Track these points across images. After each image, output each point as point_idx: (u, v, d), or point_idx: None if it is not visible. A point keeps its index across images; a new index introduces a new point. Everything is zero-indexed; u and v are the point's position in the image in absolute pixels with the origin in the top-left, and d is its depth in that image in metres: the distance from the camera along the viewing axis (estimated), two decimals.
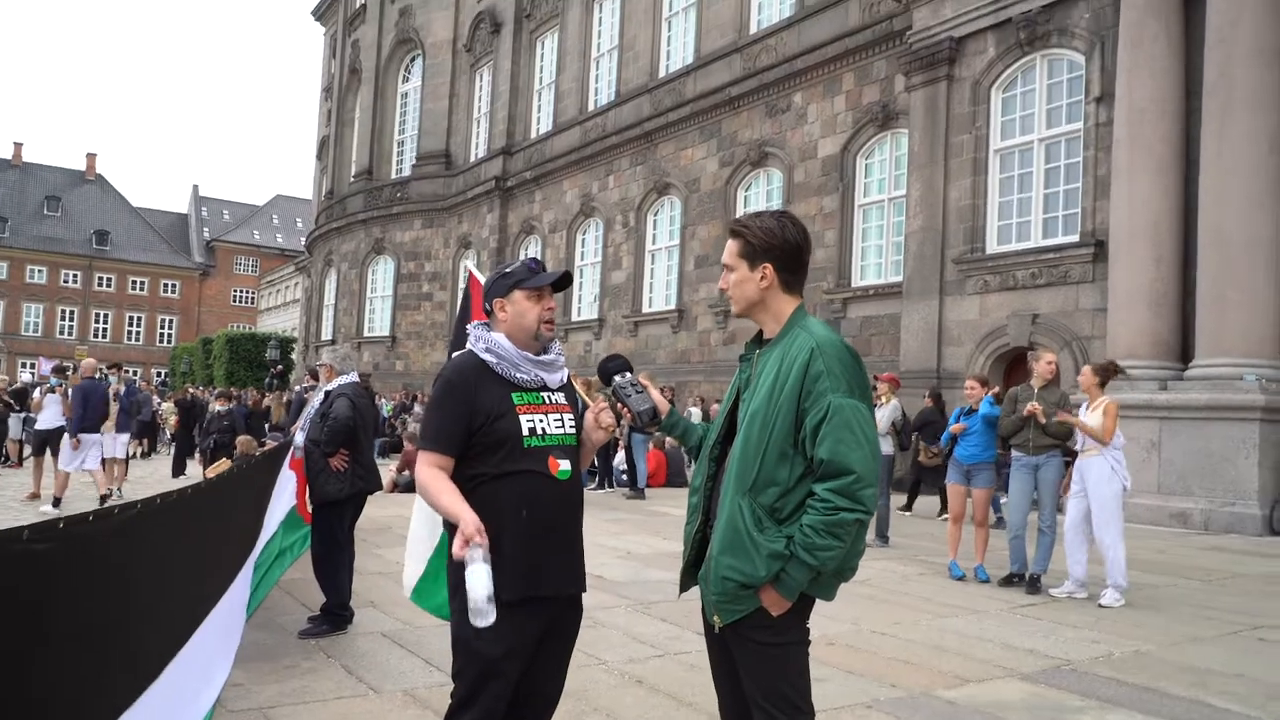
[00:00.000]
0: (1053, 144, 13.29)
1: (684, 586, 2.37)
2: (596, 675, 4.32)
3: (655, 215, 22.47)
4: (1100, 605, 6.17)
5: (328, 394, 5.37)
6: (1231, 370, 10.40)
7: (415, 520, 3.66)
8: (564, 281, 2.52)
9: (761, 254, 2.22)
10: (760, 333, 2.31)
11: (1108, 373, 6.74)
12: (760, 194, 19.37)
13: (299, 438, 5.50)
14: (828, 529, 2.03)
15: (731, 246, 2.27)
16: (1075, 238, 12.69)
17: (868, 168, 17.06)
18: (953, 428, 7.51)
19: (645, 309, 22.33)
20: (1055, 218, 13.17)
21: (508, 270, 2.53)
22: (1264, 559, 8.42)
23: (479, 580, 2.12)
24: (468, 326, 2.60)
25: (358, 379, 5.55)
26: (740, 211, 19.14)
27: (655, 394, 2.49)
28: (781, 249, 2.22)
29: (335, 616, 5.09)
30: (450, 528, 2.32)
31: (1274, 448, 10.23)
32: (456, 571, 2.30)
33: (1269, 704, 4.19)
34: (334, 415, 5.18)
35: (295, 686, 4.06)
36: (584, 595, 2.54)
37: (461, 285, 3.80)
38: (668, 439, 14.95)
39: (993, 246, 13.75)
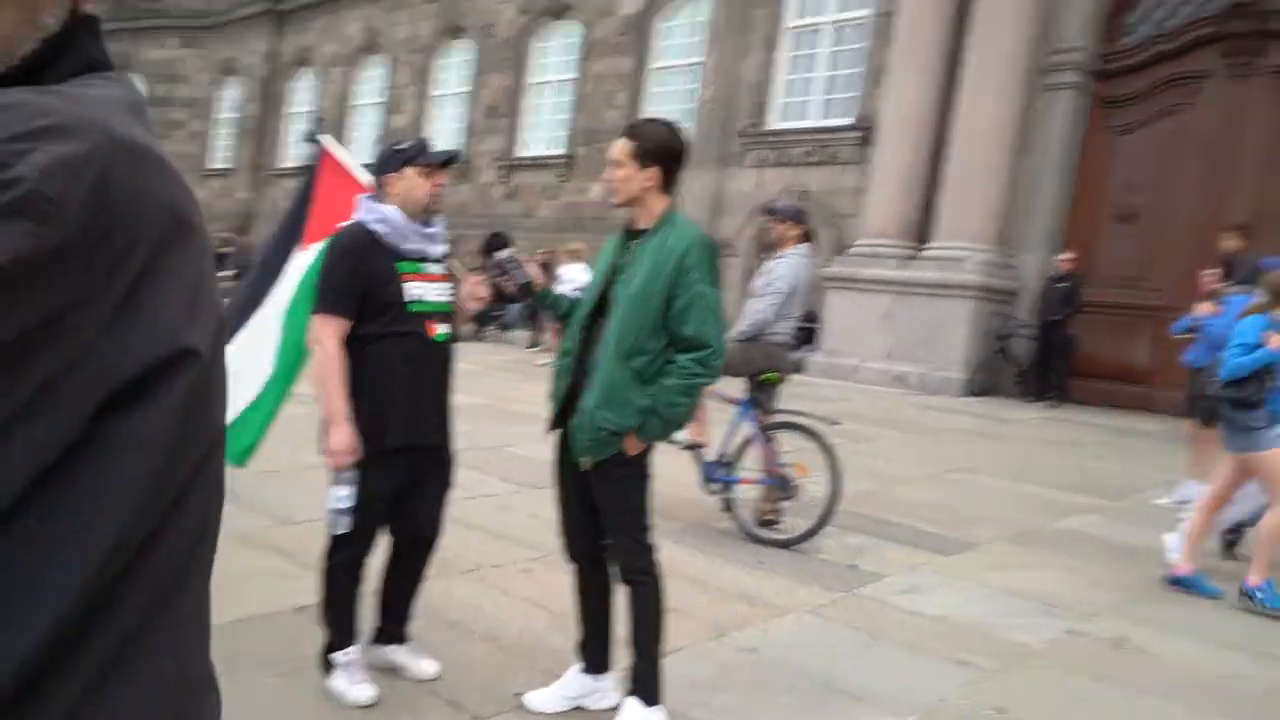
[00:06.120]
0: (841, 28, 14.01)
1: (551, 429, 2.83)
2: None
3: (445, 59, 21.54)
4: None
5: None
6: (961, 253, 11.65)
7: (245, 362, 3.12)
8: (453, 159, 2.85)
9: (651, 156, 2.64)
10: (630, 225, 2.74)
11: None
12: (557, 48, 18.98)
13: None
14: (685, 390, 2.60)
15: (625, 146, 2.66)
16: (850, 120, 13.65)
17: (667, 30, 17.14)
18: None
19: None
20: (834, 100, 14.06)
21: (401, 146, 2.79)
22: (960, 415, 9.98)
23: (342, 497, 2.61)
24: (357, 197, 2.81)
25: None
26: (536, 65, 19.09)
27: (532, 268, 2.94)
28: (670, 155, 2.67)
29: None
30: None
31: (982, 322, 11.70)
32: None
33: (958, 526, 5.40)
34: None
35: None
36: None
37: (307, 159, 3.55)
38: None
39: (774, 123, 14.54)
